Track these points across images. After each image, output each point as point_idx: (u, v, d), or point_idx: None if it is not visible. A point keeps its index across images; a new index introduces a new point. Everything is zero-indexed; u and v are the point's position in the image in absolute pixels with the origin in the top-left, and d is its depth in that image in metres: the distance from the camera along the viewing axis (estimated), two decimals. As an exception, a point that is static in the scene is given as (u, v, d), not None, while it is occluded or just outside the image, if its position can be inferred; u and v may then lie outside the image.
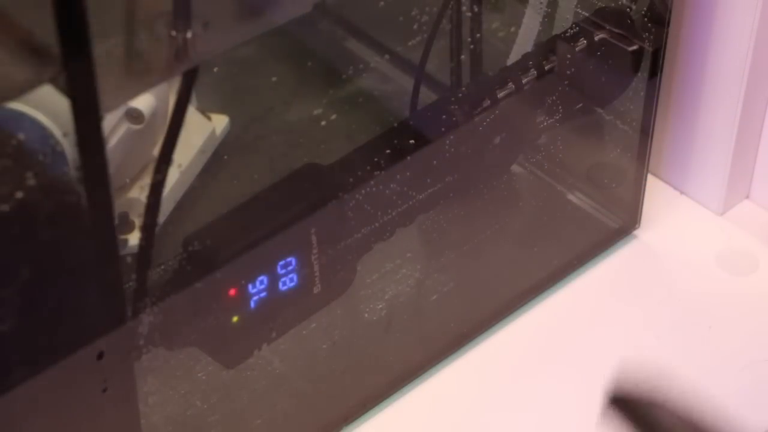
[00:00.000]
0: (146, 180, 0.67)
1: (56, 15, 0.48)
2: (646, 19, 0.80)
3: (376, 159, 0.71)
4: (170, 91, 0.72)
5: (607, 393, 0.49)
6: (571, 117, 0.82)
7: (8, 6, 0.51)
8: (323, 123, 0.70)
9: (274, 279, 0.68)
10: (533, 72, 0.78)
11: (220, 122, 0.85)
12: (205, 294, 0.66)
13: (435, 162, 0.74)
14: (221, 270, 0.65)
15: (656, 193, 0.92)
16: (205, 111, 0.85)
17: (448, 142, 0.74)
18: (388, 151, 0.72)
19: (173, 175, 0.79)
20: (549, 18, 0.82)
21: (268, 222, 0.67)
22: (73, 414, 0.60)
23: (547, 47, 0.79)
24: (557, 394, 0.80)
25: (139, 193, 0.77)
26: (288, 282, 0.69)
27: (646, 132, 0.85)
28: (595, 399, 0.79)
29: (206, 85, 0.75)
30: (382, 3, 0.68)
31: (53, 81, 0.51)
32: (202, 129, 0.84)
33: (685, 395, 0.49)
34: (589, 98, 0.83)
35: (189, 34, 0.56)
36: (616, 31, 0.80)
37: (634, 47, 0.80)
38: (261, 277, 0.67)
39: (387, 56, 0.81)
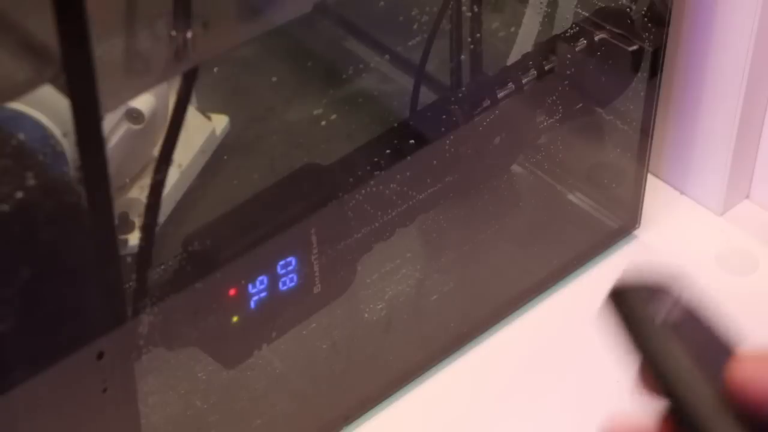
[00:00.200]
0: (146, 180, 0.67)
1: (56, 15, 0.48)
2: (646, 19, 0.80)
3: (376, 159, 0.71)
4: (170, 91, 0.72)
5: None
6: (571, 117, 0.82)
7: (8, 6, 0.51)
8: (323, 123, 0.70)
9: (274, 279, 0.68)
10: (533, 72, 0.78)
11: (220, 122, 0.85)
12: (205, 294, 0.66)
13: (435, 162, 0.74)
14: (221, 270, 0.65)
15: (656, 193, 0.92)
16: (205, 111, 0.85)
17: (448, 142, 0.74)
18: (388, 151, 0.72)
19: (173, 175, 0.79)
20: (549, 18, 0.82)
21: (268, 222, 0.67)
22: (73, 414, 0.60)
23: (547, 47, 0.79)
24: (557, 393, 0.80)
25: (139, 193, 0.77)
26: (288, 282, 0.69)
27: (646, 132, 0.85)
28: (595, 399, 0.79)
29: (206, 85, 0.75)
30: (382, 3, 0.68)
31: (53, 81, 0.51)
32: (202, 129, 0.84)
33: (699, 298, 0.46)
34: (589, 98, 0.83)
35: (189, 34, 0.56)
36: (616, 31, 0.80)
37: (634, 47, 0.80)
38: (261, 277, 0.67)
39: (387, 56, 0.81)
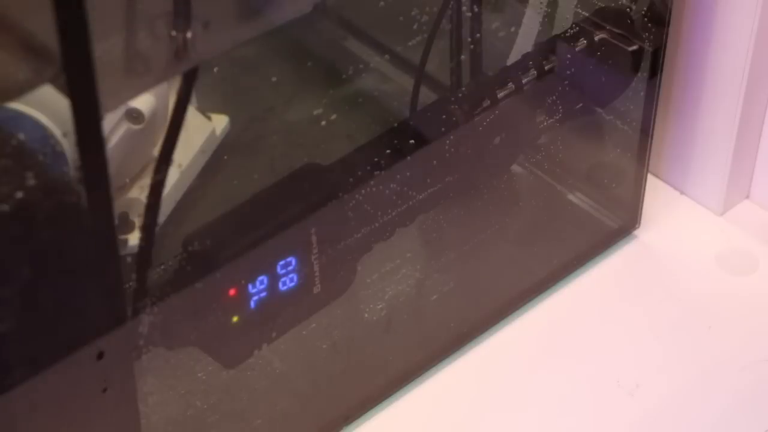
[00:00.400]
0: (146, 180, 0.67)
1: (56, 15, 0.48)
2: (646, 19, 0.80)
3: (376, 159, 0.71)
4: (170, 91, 0.72)
5: None
6: (571, 117, 0.82)
7: (8, 6, 0.51)
8: (323, 123, 0.70)
9: (274, 279, 0.68)
10: (533, 72, 0.78)
11: (220, 122, 0.85)
12: (205, 294, 0.66)
13: (435, 162, 0.74)
14: (221, 270, 0.65)
15: (656, 193, 0.92)
16: (205, 111, 0.85)
17: (448, 142, 0.74)
18: (388, 151, 0.72)
19: (173, 175, 0.79)
20: (549, 18, 0.82)
21: (268, 222, 0.67)
22: (73, 414, 0.60)
23: (547, 47, 0.79)
24: (557, 393, 0.80)
25: (139, 193, 0.77)
26: (288, 282, 0.69)
27: (646, 132, 0.85)
28: (595, 399, 0.79)
29: (206, 85, 0.74)
30: (382, 3, 0.68)
31: (53, 81, 0.51)
32: (202, 129, 0.84)
33: None
34: (589, 98, 0.83)
35: (189, 34, 0.56)
36: (616, 31, 0.80)
37: (634, 47, 0.80)
38: (261, 277, 0.67)
39: (387, 56, 0.81)
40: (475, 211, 0.82)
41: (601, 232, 0.89)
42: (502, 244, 0.85)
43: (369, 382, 0.78)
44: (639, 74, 0.82)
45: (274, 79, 0.77)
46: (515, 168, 0.86)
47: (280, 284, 0.68)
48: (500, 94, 0.76)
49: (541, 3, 0.82)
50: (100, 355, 0.59)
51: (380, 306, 0.79)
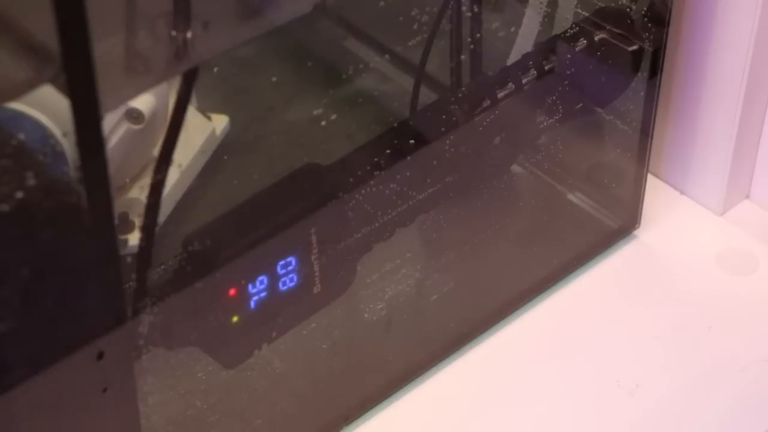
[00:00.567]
0: (146, 180, 0.67)
1: (56, 15, 0.48)
2: (646, 19, 0.80)
3: (376, 159, 0.71)
4: (170, 91, 0.72)
5: None
6: (571, 117, 0.82)
7: (8, 6, 0.51)
8: (323, 123, 0.70)
9: (274, 279, 0.68)
10: (533, 72, 0.78)
11: (220, 122, 0.85)
12: (205, 294, 0.66)
13: (435, 162, 0.74)
14: (221, 270, 0.65)
15: (656, 193, 0.92)
16: (205, 111, 0.85)
17: (448, 142, 0.74)
18: (388, 151, 0.72)
19: (173, 175, 0.79)
20: (549, 18, 0.82)
21: (268, 222, 0.67)
22: (73, 414, 0.60)
23: (547, 47, 0.79)
24: (557, 393, 0.80)
25: (139, 193, 0.77)
26: (288, 282, 0.69)
27: (646, 132, 0.85)
28: (596, 399, 0.79)
29: (206, 85, 0.75)
30: (382, 3, 0.68)
31: (53, 81, 0.51)
32: (202, 129, 0.84)
33: None
34: (589, 98, 0.83)
35: (189, 34, 0.56)
36: (616, 31, 0.80)
37: (634, 47, 0.80)
38: (261, 277, 0.67)
39: (387, 56, 0.81)
40: (475, 211, 0.82)
41: (601, 232, 0.89)
42: (502, 244, 0.85)
43: (369, 382, 0.78)
44: (639, 74, 0.82)
45: (274, 79, 0.77)
46: (515, 168, 0.86)
47: (280, 284, 0.68)
48: (500, 94, 0.76)
49: (541, 3, 0.82)
50: (100, 355, 0.59)
51: (380, 306, 0.79)
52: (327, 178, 0.70)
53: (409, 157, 0.72)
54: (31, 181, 0.52)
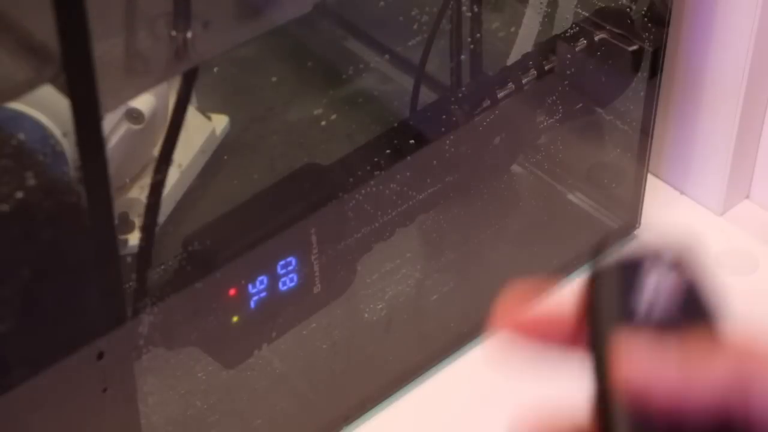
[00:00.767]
0: (146, 180, 0.67)
1: (56, 15, 0.48)
2: (646, 19, 0.80)
3: (376, 159, 0.71)
4: (170, 91, 0.72)
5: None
6: (571, 117, 0.82)
7: (8, 6, 0.51)
8: (323, 123, 0.70)
9: (274, 279, 0.68)
10: (533, 72, 0.78)
11: (220, 122, 0.85)
12: (205, 294, 0.66)
13: (435, 162, 0.74)
14: (221, 270, 0.65)
15: (656, 193, 0.92)
16: (205, 111, 0.85)
17: (448, 142, 0.74)
18: (388, 151, 0.72)
19: (173, 175, 0.79)
20: (549, 18, 0.82)
21: (268, 222, 0.67)
22: (73, 414, 0.60)
23: (547, 47, 0.79)
24: (557, 393, 0.79)
25: (139, 193, 0.77)
26: (288, 282, 0.69)
27: (646, 132, 0.85)
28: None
29: (206, 85, 0.75)
30: (382, 3, 0.68)
31: (53, 81, 0.51)
32: (202, 129, 0.84)
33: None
34: (589, 98, 0.83)
35: (189, 34, 0.56)
36: (616, 31, 0.80)
37: (634, 47, 0.80)
38: (261, 277, 0.67)
39: (387, 56, 0.81)
40: (475, 211, 0.82)
41: (601, 232, 0.89)
42: (502, 244, 0.85)
43: (369, 382, 0.78)
44: (639, 74, 0.82)
45: (274, 79, 0.77)
46: (515, 168, 0.86)
47: (280, 284, 0.68)
48: (500, 94, 0.76)
49: (541, 3, 0.82)
50: (100, 355, 0.59)
51: (380, 306, 0.79)
52: (327, 178, 0.70)
53: (409, 157, 0.72)
54: (31, 181, 0.52)
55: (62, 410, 0.60)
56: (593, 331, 0.40)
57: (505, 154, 0.81)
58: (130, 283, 0.62)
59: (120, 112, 0.74)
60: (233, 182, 0.80)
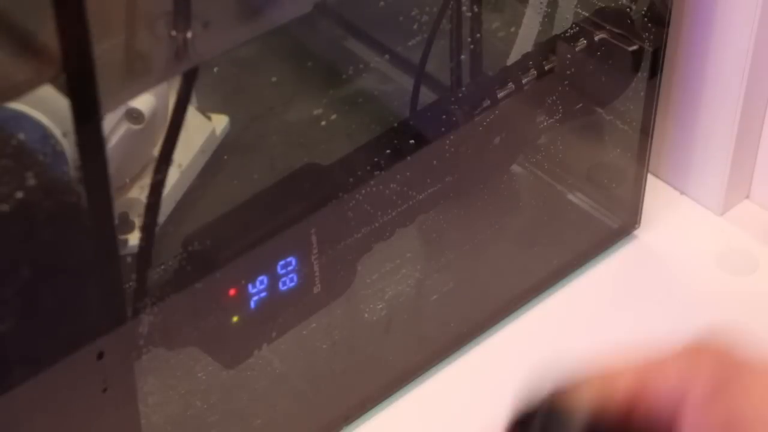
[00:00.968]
0: (146, 180, 0.67)
1: (56, 15, 0.48)
2: (646, 19, 0.80)
3: (376, 159, 0.71)
4: (170, 91, 0.72)
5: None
6: (571, 117, 0.82)
7: (8, 6, 0.51)
8: (323, 123, 0.70)
9: (274, 279, 0.68)
10: (533, 72, 0.78)
11: (220, 122, 0.85)
12: (205, 294, 0.66)
13: (435, 162, 0.74)
14: (221, 270, 0.65)
15: (656, 193, 0.92)
16: (205, 111, 0.85)
17: (448, 142, 0.74)
18: (388, 151, 0.72)
19: (173, 175, 0.79)
20: (549, 18, 0.82)
21: (268, 222, 0.67)
22: (73, 414, 0.60)
23: (547, 47, 0.79)
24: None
25: (139, 193, 0.77)
26: (288, 282, 0.69)
27: (646, 132, 0.85)
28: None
29: (206, 85, 0.75)
30: (382, 3, 0.68)
31: (53, 81, 0.51)
32: (202, 129, 0.84)
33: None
34: (589, 98, 0.83)
35: (189, 34, 0.56)
36: (616, 31, 0.80)
37: (634, 47, 0.80)
38: (261, 277, 0.67)
39: (387, 56, 0.81)
40: (475, 211, 0.82)
41: (601, 232, 0.89)
42: (502, 244, 0.85)
43: (369, 382, 0.78)
44: (639, 74, 0.82)
45: (274, 79, 0.77)
46: (515, 168, 0.86)
47: (280, 284, 0.68)
48: (500, 94, 0.76)
49: (541, 3, 0.82)
50: (100, 355, 0.59)
51: (380, 306, 0.79)
52: (327, 178, 0.70)
53: (409, 157, 0.72)
54: (31, 181, 0.52)
55: (62, 410, 0.60)
56: None
57: (505, 154, 0.81)
58: (130, 283, 0.62)
59: (120, 112, 0.74)
60: (233, 182, 0.80)
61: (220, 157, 0.84)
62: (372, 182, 0.71)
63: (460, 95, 0.77)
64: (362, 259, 0.73)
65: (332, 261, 0.71)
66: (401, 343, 0.80)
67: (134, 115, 0.75)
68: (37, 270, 0.54)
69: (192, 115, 0.83)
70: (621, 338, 0.83)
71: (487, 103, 0.76)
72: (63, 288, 0.56)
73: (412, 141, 0.73)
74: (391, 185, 0.72)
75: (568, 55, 0.79)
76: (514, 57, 0.82)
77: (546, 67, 0.78)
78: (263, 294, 0.68)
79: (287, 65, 0.78)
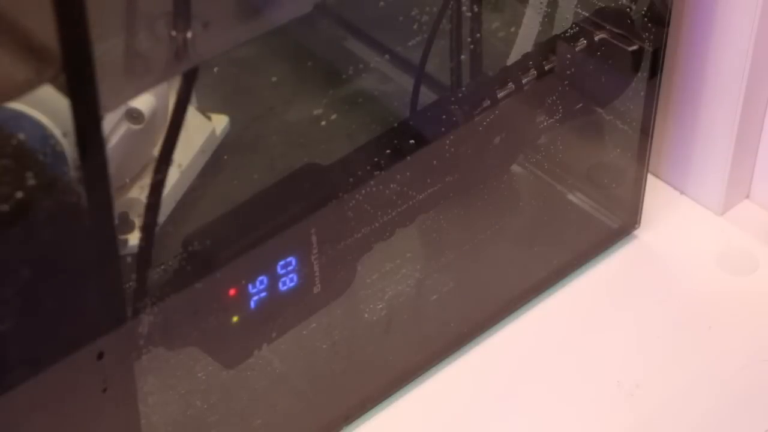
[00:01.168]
0: (146, 180, 0.67)
1: (56, 15, 0.48)
2: (646, 19, 0.80)
3: (376, 159, 0.71)
4: (170, 91, 0.72)
5: None
6: (571, 117, 0.82)
7: (8, 6, 0.51)
8: (323, 123, 0.70)
9: (274, 279, 0.68)
10: (533, 72, 0.78)
11: (220, 122, 0.85)
12: (205, 294, 0.66)
13: (435, 162, 0.74)
14: (221, 270, 0.65)
15: (656, 193, 0.92)
16: (205, 111, 0.85)
17: (448, 142, 0.74)
18: (388, 151, 0.72)
19: (173, 175, 0.79)
20: (549, 18, 0.82)
21: (268, 222, 0.67)
22: (73, 414, 0.60)
23: (547, 47, 0.79)
24: (557, 394, 0.80)
25: (139, 193, 0.76)
26: (288, 282, 0.69)
27: (646, 132, 0.85)
28: (595, 399, 0.79)
29: (206, 85, 0.75)
30: (382, 3, 0.68)
31: (53, 81, 0.51)
32: (202, 129, 0.84)
33: None
34: (589, 98, 0.83)
35: (189, 34, 0.56)
36: (616, 31, 0.80)
37: (634, 47, 0.80)
38: (261, 277, 0.67)
39: (387, 56, 0.81)
40: (475, 211, 0.82)
41: (601, 232, 0.89)
42: (502, 244, 0.85)
43: (369, 382, 0.78)
44: (639, 74, 0.82)
45: (274, 79, 0.77)
46: (515, 168, 0.86)
47: (280, 284, 0.68)
48: (500, 94, 0.76)
49: (541, 3, 0.82)
50: (100, 355, 0.59)
51: (380, 306, 0.79)
52: (327, 178, 0.70)
53: (409, 157, 0.72)
54: (31, 181, 0.52)
55: (62, 410, 0.60)
56: None
57: (505, 154, 0.81)
58: (130, 283, 0.62)
59: (120, 112, 0.74)
60: (233, 182, 0.80)
61: (220, 157, 0.84)
62: (372, 182, 0.71)
63: (460, 95, 0.77)
64: (362, 259, 0.73)
65: (332, 261, 0.71)
66: (401, 343, 0.80)
67: (134, 115, 0.75)
68: (38, 270, 0.54)
69: (192, 115, 0.83)
70: (621, 339, 0.83)
71: (487, 103, 0.76)
72: (63, 288, 0.56)
73: (412, 141, 0.73)
74: (391, 185, 0.72)
75: (568, 55, 0.79)
76: (514, 57, 0.82)
77: (546, 67, 0.78)
78: (263, 294, 0.68)
79: (287, 65, 0.78)
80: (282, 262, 0.68)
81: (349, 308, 0.77)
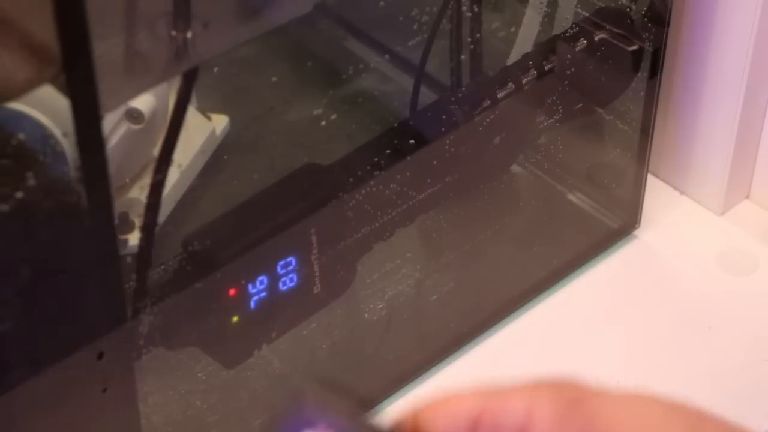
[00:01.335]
0: (146, 180, 0.67)
1: (56, 15, 0.48)
2: (646, 19, 0.80)
3: (376, 159, 0.71)
4: (170, 91, 0.72)
5: None
6: (571, 117, 0.82)
7: (8, 6, 0.51)
8: (323, 123, 0.70)
9: (274, 279, 0.68)
10: (533, 72, 0.78)
11: (220, 122, 0.85)
12: (205, 294, 0.66)
13: (435, 162, 0.74)
14: (221, 270, 0.65)
15: (656, 193, 0.92)
16: (205, 111, 0.85)
17: (448, 142, 0.74)
18: (388, 151, 0.72)
19: (173, 175, 0.79)
20: (549, 18, 0.82)
21: (268, 222, 0.67)
22: (73, 414, 0.60)
23: (547, 47, 0.79)
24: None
25: (139, 193, 0.77)
26: (288, 282, 0.69)
27: (646, 132, 0.85)
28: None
29: (206, 85, 0.75)
30: (382, 3, 0.68)
31: (53, 81, 0.51)
32: (202, 129, 0.84)
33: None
34: (589, 98, 0.83)
35: (189, 34, 0.56)
36: (616, 31, 0.80)
37: (634, 47, 0.80)
38: (261, 277, 0.67)
39: (387, 56, 0.81)
40: (475, 211, 0.82)
41: (601, 232, 0.89)
42: (502, 244, 0.85)
43: (369, 382, 0.78)
44: (639, 74, 0.82)
45: (274, 79, 0.77)
46: (515, 168, 0.86)
47: (280, 284, 0.68)
48: (500, 94, 0.76)
49: (541, 3, 0.82)
50: (100, 355, 0.59)
51: (380, 306, 0.79)
52: (327, 178, 0.70)
53: (409, 157, 0.72)
54: (31, 181, 0.52)
55: (62, 410, 0.60)
56: None
57: (505, 154, 0.81)
58: (130, 283, 0.62)
59: (120, 112, 0.74)
60: (233, 182, 0.80)
61: (220, 157, 0.84)
62: (372, 182, 0.71)
63: (460, 95, 0.77)
64: (362, 259, 0.73)
65: (332, 261, 0.71)
66: (401, 343, 0.80)
67: (134, 115, 0.75)
68: (38, 270, 0.54)
69: (192, 115, 0.83)
70: (621, 338, 0.83)
71: (487, 103, 0.76)
72: (63, 288, 0.56)
73: (412, 141, 0.73)
74: (391, 185, 0.72)
75: (568, 55, 0.79)
76: (514, 57, 0.82)
77: (546, 67, 0.78)
78: (263, 294, 0.68)
79: (287, 65, 0.78)
80: (282, 262, 0.68)
81: (349, 308, 0.77)
